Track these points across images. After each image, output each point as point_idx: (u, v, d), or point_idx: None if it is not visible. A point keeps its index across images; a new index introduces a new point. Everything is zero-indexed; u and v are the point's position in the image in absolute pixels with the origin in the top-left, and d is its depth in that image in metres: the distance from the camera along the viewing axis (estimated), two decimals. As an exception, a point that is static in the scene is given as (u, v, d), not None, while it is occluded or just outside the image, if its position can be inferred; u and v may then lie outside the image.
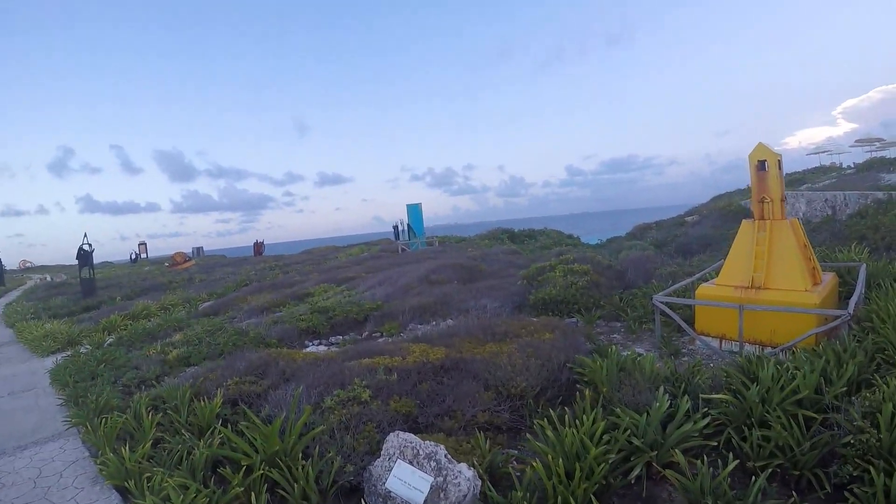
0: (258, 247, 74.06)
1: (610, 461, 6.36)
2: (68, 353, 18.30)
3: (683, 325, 12.57)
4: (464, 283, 22.13)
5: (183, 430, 8.59)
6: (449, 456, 6.77)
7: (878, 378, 7.47)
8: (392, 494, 6.46)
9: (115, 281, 48.06)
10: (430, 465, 6.60)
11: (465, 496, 6.34)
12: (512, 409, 8.87)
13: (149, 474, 7.42)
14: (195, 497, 6.50)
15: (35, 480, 8.66)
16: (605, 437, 6.71)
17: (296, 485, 6.67)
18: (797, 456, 6.30)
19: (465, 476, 6.47)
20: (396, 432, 7.19)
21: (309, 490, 6.68)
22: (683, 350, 12.51)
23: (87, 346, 18.99)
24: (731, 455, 6.28)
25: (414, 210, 49.99)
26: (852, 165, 58.55)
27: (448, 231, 72.02)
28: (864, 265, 14.53)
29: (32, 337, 22.82)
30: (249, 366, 10.85)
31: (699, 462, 6.12)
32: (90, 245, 38.99)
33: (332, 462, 7.06)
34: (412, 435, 7.16)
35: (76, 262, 39.26)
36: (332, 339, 16.39)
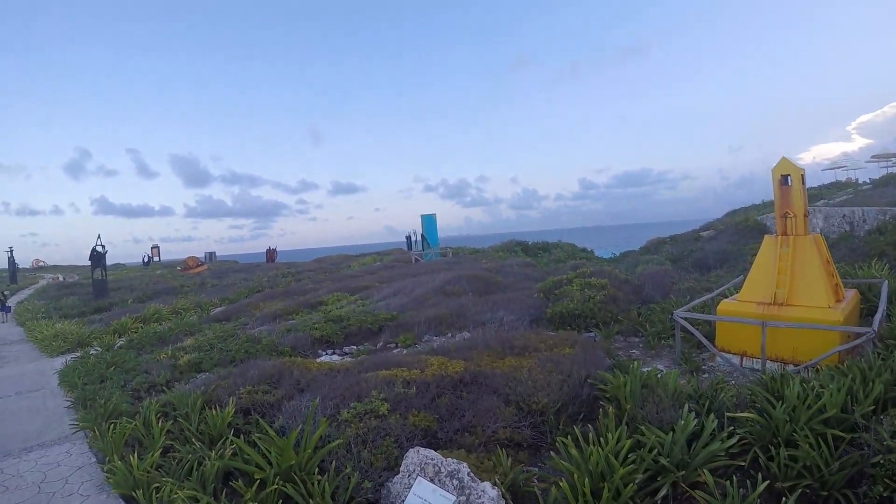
0: (271, 253, 73.99)
1: (636, 481, 6.12)
2: (78, 354, 18.13)
3: (704, 341, 12.21)
4: (479, 295, 21.79)
5: (193, 439, 8.29)
6: (472, 474, 6.46)
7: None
8: (412, 513, 6.15)
9: (126, 283, 48.05)
10: (453, 484, 6.29)
11: (489, 517, 6.03)
12: (532, 425, 8.54)
13: (157, 484, 7.14)
14: (205, 511, 6.21)
15: (39, 485, 8.38)
16: (631, 456, 6.48)
17: (311, 501, 6.37)
18: (825, 476, 6.09)
19: (489, 496, 6.17)
20: (416, 448, 6.87)
21: (325, 507, 6.37)
22: (703, 366, 12.20)
23: (97, 348, 18.80)
24: (759, 476, 6.07)
25: (428, 220, 49.67)
26: (868, 181, 57.87)
27: (460, 242, 71.75)
28: (886, 282, 14.25)
29: (42, 336, 22.71)
30: (263, 374, 10.53)
31: (727, 483, 5.92)
32: (103, 246, 39.02)
33: (349, 478, 6.75)
34: (433, 451, 6.84)
35: (89, 262, 39.28)
36: (347, 349, 16.11)
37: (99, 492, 7.99)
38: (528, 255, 46.09)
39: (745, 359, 12.19)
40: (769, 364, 11.25)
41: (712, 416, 7.21)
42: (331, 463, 7.01)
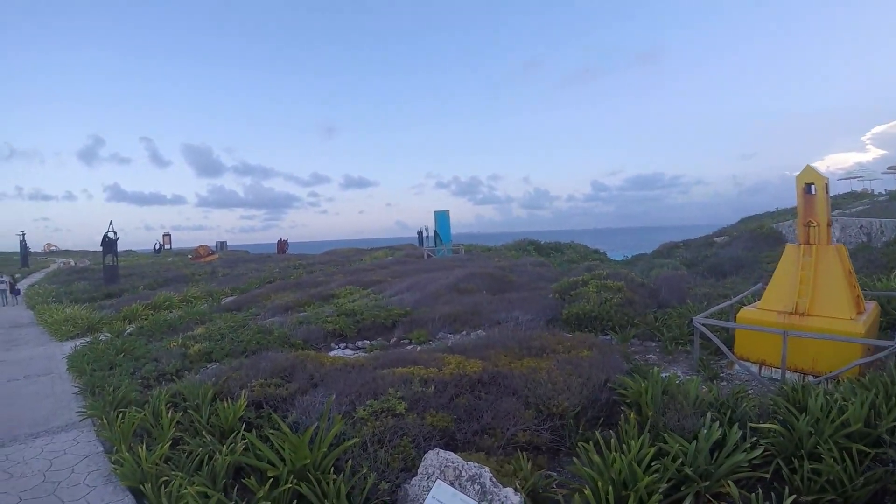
0: (282, 244, 73.96)
1: (660, 490, 5.93)
2: (87, 339, 18.01)
3: (724, 348, 11.91)
4: (493, 294, 21.59)
5: (204, 432, 8.03)
6: (494, 479, 6.19)
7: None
8: (431, 518, 5.89)
9: (137, 270, 48.09)
10: (474, 489, 6.01)
11: (512, 523, 5.77)
12: (551, 428, 8.29)
13: (166, 478, 6.89)
14: (216, 507, 5.97)
15: (45, 473, 8.15)
16: (654, 464, 6.29)
17: (326, 501, 6.10)
18: (849, 491, 5.94)
19: (511, 502, 5.89)
20: (436, 450, 6.60)
21: (340, 508, 6.12)
22: (721, 374, 12.00)
23: (107, 334, 18.67)
24: (786, 490, 5.93)
25: (442, 217, 49.52)
26: (885, 192, 57.51)
27: (471, 239, 71.67)
28: (907, 295, 13.92)
29: (52, 320, 22.65)
30: (275, 367, 10.29)
31: (752, 495, 5.79)
32: (115, 233, 39.09)
33: (366, 478, 6.49)
34: (453, 454, 6.56)
35: (101, 248, 39.34)
36: (359, 344, 15.89)
37: (106, 483, 7.74)
38: (540, 254, 46.00)
39: (763, 368, 11.96)
40: (788, 374, 11.04)
41: (736, 426, 7.02)
42: (346, 462, 6.75)
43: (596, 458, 6.47)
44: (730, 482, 6.05)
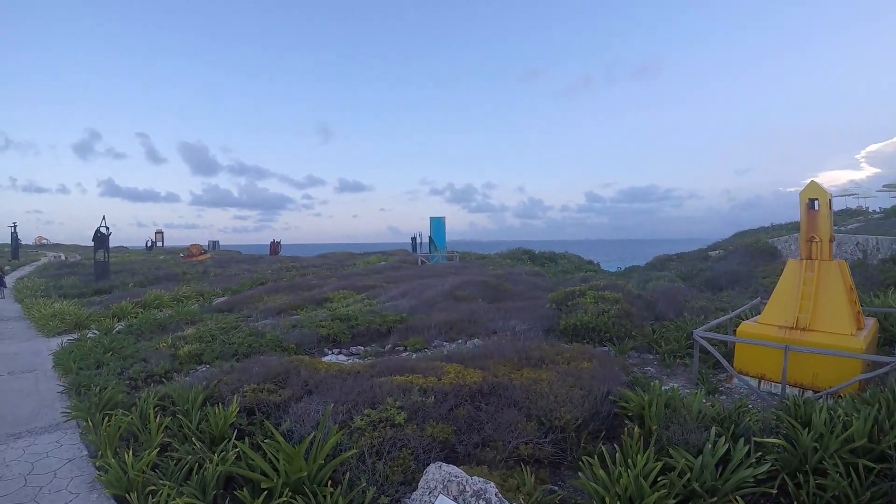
0: (274, 246, 73.69)
1: None
2: (75, 336, 17.63)
3: (724, 362, 11.87)
4: (489, 302, 21.41)
5: (193, 439, 7.70)
6: (500, 495, 5.90)
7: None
8: (434, 534, 5.59)
9: (128, 266, 47.68)
10: (479, 505, 5.73)
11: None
12: (553, 441, 8.06)
13: (153, 487, 6.57)
14: (205, 521, 5.65)
15: (26, 477, 7.78)
16: (661, 480, 6.20)
17: (322, 516, 5.80)
18: None
19: (518, 519, 5.62)
20: (438, 464, 6.29)
21: (337, 523, 5.82)
22: (720, 388, 11.91)
23: (95, 332, 18.30)
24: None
25: (437, 223, 49.33)
26: (879, 210, 58.00)
27: (464, 247, 71.57)
28: (906, 312, 13.97)
29: (40, 315, 22.29)
30: (268, 372, 9.94)
31: None
32: (107, 228, 38.68)
33: (365, 492, 6.23)
34: (456, 468, 6.25)
35: (92, 243, 39.00)
36: (354, 350, 15.58)
37: (90, 490, 7.37)
38: (534, 263, 45.96)
39: (763, 382, 11.94)
40: (788, 389, 11.03)
41: (741, 440, 6.91)
42: (344, 474, 6.46)
43: (601, 472, 6.32)
44: (738, 497, 5.96)
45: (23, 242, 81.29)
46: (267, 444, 6.78)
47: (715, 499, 6.07)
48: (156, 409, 8.72)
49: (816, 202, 12.30)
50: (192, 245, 71.45)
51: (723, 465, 6.52)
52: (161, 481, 6.57)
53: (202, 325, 17.78)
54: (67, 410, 10.10)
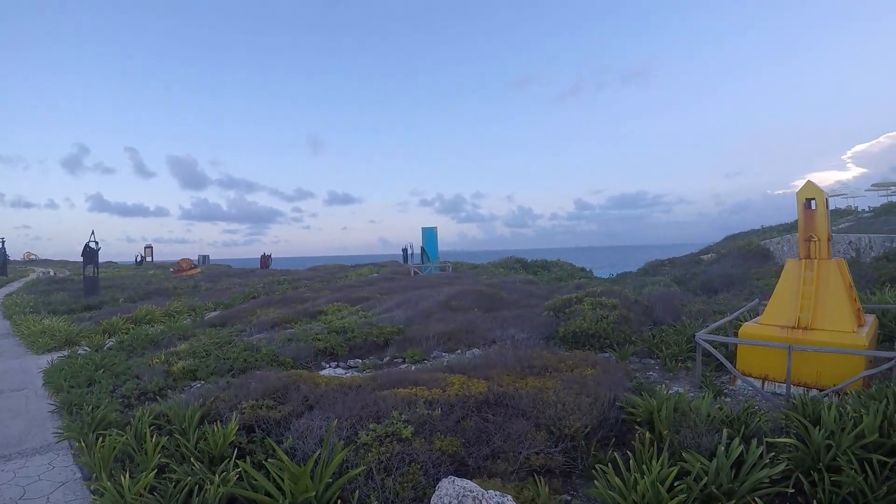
0: (265, 259, 73.26)
1: None
2: (65, 353, 17.25)
3: (728, 364, 11.81)
4: (486, 311, 21.23)
5: (192, 459, 7.37)
6: (518, 508, 5.64)
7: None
8: (451, 553, 5.33)
9: (118, 282, 47.32)
10: (497, 519, 5.48)
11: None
12: (563, 450, 7.90)
13: (152, 511, 6.26)
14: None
15: (17, 502, 7.47)
16: (677, 485, 6.13)
17: (333, 539, 5.52)
18: (871, 502, 5.97)
19: (539, 532, 5.36)
20: (451, 478, 6.02)
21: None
22: (724, 390, 11.90)
23: (86, 348, 17.93)
24: (814, 503, 6.05)
25: (429, 234, 49.16)
26: (869, 209, 58.47)
27: (454, 257, 71.53)
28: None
29: (29, 332, 21.94)
30: (267, 388, 9.60)
31: None
32: (97, 243, 38.33)
33: None
34: (470, 482, 6.01)
35: (81, 258, 38.68)
36: (351, 363, 15.33)
37: (84, 514, 7.09)
38: (527, 272, 45.88)
39: (766, 383, 11.92)
40: (793, 389, 10.98)
41: (754, 441, 6.88)
42: (353, 493, 6.20)
43: (616, 480, 6.26)
44: (757, 499, 5.93)
45: (11, 258, 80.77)
46: (270, 464, 6.49)
47: (733, 501, 6.00)
48: (151, 428, 8.40)
49: (813, 202, 12.40)
50: (182, 259, 71.07)
51: (737, 467, 6.48)
52: (160, 505, 6.27)
53: (195, 341, 17.46)
54: (59, 430, 9.74)
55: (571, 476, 7.70)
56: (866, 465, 6.20)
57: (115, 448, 7.84)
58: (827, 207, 12.48)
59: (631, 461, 6.65)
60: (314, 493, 5.95)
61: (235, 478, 6.57)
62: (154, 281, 48.60)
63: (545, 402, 8.61)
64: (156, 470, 7.11)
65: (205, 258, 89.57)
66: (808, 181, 12.53)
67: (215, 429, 7.82)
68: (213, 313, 27.21)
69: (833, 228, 39.27)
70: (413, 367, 13.58)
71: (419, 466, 6.91)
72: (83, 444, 8.46)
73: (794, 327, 11.90)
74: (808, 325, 11.77)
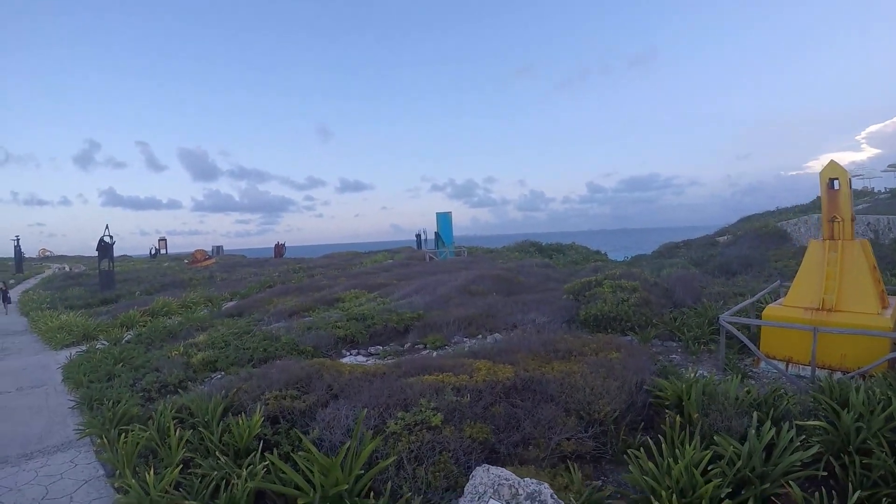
0: (279, 248, 73.39)
1: (722, 496, 5.68)
2: (83, 347, 17.18)
3: (752, 346, 11.63)
4: (504, 295, 20.97)
5: (217, 452, 7.19)
6: (556, 496, 5.42)
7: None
8: (488, 543, 5.13)
9: (133, 275, 47.49)
10: (534, 508, 5.26)
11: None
12: (593, 435, 7.73)
13: (179, 508, 6.07)
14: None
15: (40, 502, 7.30)
16: (711, 468, 6.08)
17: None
18: None
19: (577, 520, 5.16)
20: (485, 466, 5.81)
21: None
22: (748, 373, 11.70)
23: (104, 342, 17.84)
24: (850, 486, 5.85)
25: (444, 219, 48.96)
26: (885, 190, 57.87)
27: (467, 241, 71.41)
28: (930, 289, 13.90)
29: (47, 328, 21.91)
30: (290, 377, 9.41)
31: (815, 495, 5.66)
32: (111, 237, 38.38)
33: (410, 502, 5.80)
34: (505, 470, 5.79)
35: (96, 253, 38.76)
36: (372, 350, 15.18)
37: (109, 513, 6.91)
38: (543, 255, 45.63)
39: (790, 365, 11.70)
40: (817, 372, 10.76)
41: (787, 424, 6.75)
42: (385, 484, 6.00)
43: (650, 465, 6.14)
44: (791, 483, 5.82)
45: (26, 255, 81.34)
46: (299, 456, 6.28)
47: (767, 485, 5.88)
48: (174, 421, 8.21)
49: (837, 181, 12.13)
50: (196, 251, 71.34)
51: (768, 451, 6.38)
52: (187, 501, 6.09)
53: (213, 331, 17.36)
54: (80, 427, 9.61)
55: (601, 461, 7.57)
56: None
57: (138, 444, 7.67)
58: (850, 187, 12.21)
59: (663, 445, 6.54)
60: (346, 487, 5.74)
61: (263, 471, 6.39)
62: (169, 273, 48.80)
63: (573, 387, 8.44)
64: (180, 465, 6.94)
65: (219, 249, 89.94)
66: (832, 161, 12.26)
67: (240, 421, 7.64)
68: (230, 303, 27.17)
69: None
70: (435, 353, 13.40)
71: (450, 455, 6.71)
72: (105, 440, 8.30)
73: (818, 309, 11.72)
74: (832, 307, 11.59)
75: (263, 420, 7.87)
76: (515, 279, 24.99)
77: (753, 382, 10.74)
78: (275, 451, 6.94)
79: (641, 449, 6.65)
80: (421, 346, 15.05)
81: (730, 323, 11.90)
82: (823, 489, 5.73)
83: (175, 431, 7.68)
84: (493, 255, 44.95)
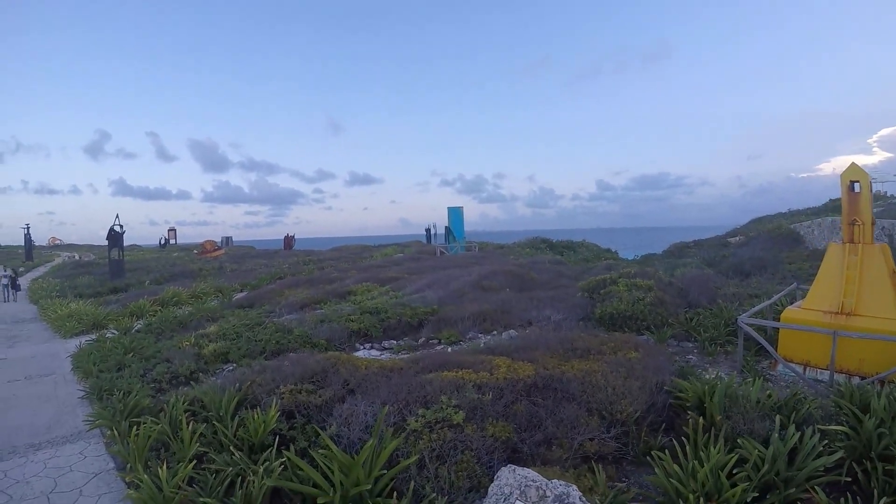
0: (289, 240, 73.42)
1: (748, 500, 5.65)
2: (93, 336, 16.98)
3: (771, 349, 11.50)
4: (517, 291, 20.88)
5: (231, 447, 6.97)
6: (584, 498, 5.22)
7: None
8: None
9: (143, 264, 47.53)
10: (562, 510, 5.07)
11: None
12: (615, 436, 7.61)
13: (192, 506, 5.85)
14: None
15: (49, 496, 7.10)
16: (736, 472, 6.02)
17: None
18: None
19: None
20: (511, 467, 5.61)
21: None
22: (765, 375, 11.49)
23: (114, 331, 17.68)
24: (875, 492, 5.83)
25: (455, 213, 48.80)
26: (897, 194, 57.78)
27: (476, 237, 71.47)
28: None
29: (56, 316, 21.81)
30: (305, 371, 9.21)
31: (841, 499, 5.65)
32: (121, 226, 38.33)
33: (433, 503, 5.59)
34: (531, 471, 5.61)
35: (106, 242, 38.74)
36: (385, 344, 15.00)
37: (120, 510, 6.69)
38: (553, 252, 45.41)
39: (808, 369, 11.54)
40: (835, 376, 10.66)
41: (810, 429, 6.69)
42: (408, 484, 5.78)
43: (675, 467, 6.09)
44: (816, 488, 5.77)
45: (36, 244, 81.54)
46: (318, 454, 6.06)
47: (792, 489, 5.85)
48: (186, 414, 8.02)
49: (857, 184, 11.91)
50: (206, 241, 71.47)
51: (789, 455, 6.31)
52: (201, 498, 5.86)
53: (224, 322, 17.22)
54: (90, 418, 9.38)
55: (622, 462, 7.46)
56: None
57: (150, 437, 7.46)
58: (871, 190, 12.04)
59: (687, 447, 6.48)
60: (368, 487, 5.51)
61: (280, 468, 6.17)
62: (179, 263, 48.84)
63: (595, 386, 8.29)
64: (194, 461, 6.72)
65: (228, 240, 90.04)
66: (853, 163, 12.07)
67: (255, 415, 7.44)
68: (240, 294, 27.08)
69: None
70: (450, 349, 13.27)
71: (472, 454, 6.52)
72: (115, 432, 8.10)
73: (837, 313, 11.54)
74: (851, 311, 11.39)
75: (279, 414, 7.68)
76: (528, 275, 24.81)
77: (771, 385, 10.46)
78: (291, 446, 6.74)
79: (667, 451, 6.53)
80: (435, 342, 14.89)
81: (748, 325, 11.75)
82: (848, 494, 5.68)
83: (188, 425, 7.47)
84: (505, 251, 44.81)
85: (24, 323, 23.26)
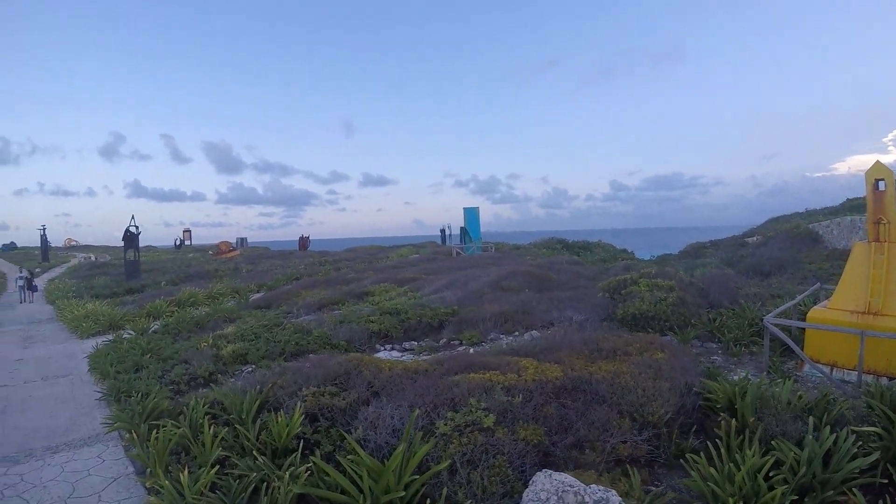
0: (304, 241, 73.47)
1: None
2: (110, 337, 16.88)
3: (798, 350, 11.27)
4: (537, 292, 20.63)
5: (254, 452, 6.75)
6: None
7: None
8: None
9: (159, 265, 47.68)
10: (603, 517, 4.88)
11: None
12: (647, 439, 7.38)
13: (217, 513, 5.63)
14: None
15: (66, 501, 6.89)
16: (772, 474, 5.96)
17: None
18: None
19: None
20: (547, 472, 5.42)
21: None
22: (792, 376, 11.05)
23: (131, 332, 17.58)
24: None
25: (471, 214, 48.63)
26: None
27: (491, 238, 71.27)
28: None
29: (73, 316, 21.76)
30: (327, 373, 9.00)
31: (879, 502, 5.69)
32: (137, 227, 38.39)
33: None
34: (568, 475, 5.44)
35: (122, 243, 38.81)
36: (406, 345, 14.81)
37: (141, 516, 6.47)
38: (570, 252, 45.17)
39: (835, 369, 11.33)
40: (863, 376, 10.42)
41: (845, 430, 6.64)
42: (439, 489, 5.57)
43: (711, 471, 6.01)
44: (855, 490, 5.68)
45: (52, 245, 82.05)
46: (346, 459, 5.83)
47: (830, 492, 5.76)
48: (206, 417, 7.82)
49: (882, 182, 11.72)
50: (221, 242, 71.63)
51: (824, 457, 6.25)
52: (225, 506, 5.64)
53: (242, 323, 17.11)
54: (108, 420, 9.22)
55: (653, 465, 7.27)
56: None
57: (170, 440, 7.25)
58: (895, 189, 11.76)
59: (722, 450, 6.42)
60: (401, 494, 5.28)
61: (305, 473, 5.94)
62: (194, 264, 48.97)
63: (624, 388, 8.09)
64: (216, 466, 6.50)
65: (243, 241, 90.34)
66: (877, 161, 11.89)
67: (279, 419, 7.21)
68: (257, 295, 26.98)
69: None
70: (472, 350, 13.06)
71: (505, 458, 6.31)
72: (134, 435, 7.90)
73: (863, 312, 11.33)
74: (878, 311, 11.18)
75: (302, 418, 7.46)
76: (547, 276, 24.58)
77: (798, 386, 10.25)
78: (316, 451, 6.52)
79: (702, 454, 6.48)
80: (457, 342, 14.69)
81: (774, 325, 11.51)
82: (887, 496, 5.69)
83: (209, 428, 7.26)
84: (521, 252, 44.57)
85: (41, 323, 23.23)
